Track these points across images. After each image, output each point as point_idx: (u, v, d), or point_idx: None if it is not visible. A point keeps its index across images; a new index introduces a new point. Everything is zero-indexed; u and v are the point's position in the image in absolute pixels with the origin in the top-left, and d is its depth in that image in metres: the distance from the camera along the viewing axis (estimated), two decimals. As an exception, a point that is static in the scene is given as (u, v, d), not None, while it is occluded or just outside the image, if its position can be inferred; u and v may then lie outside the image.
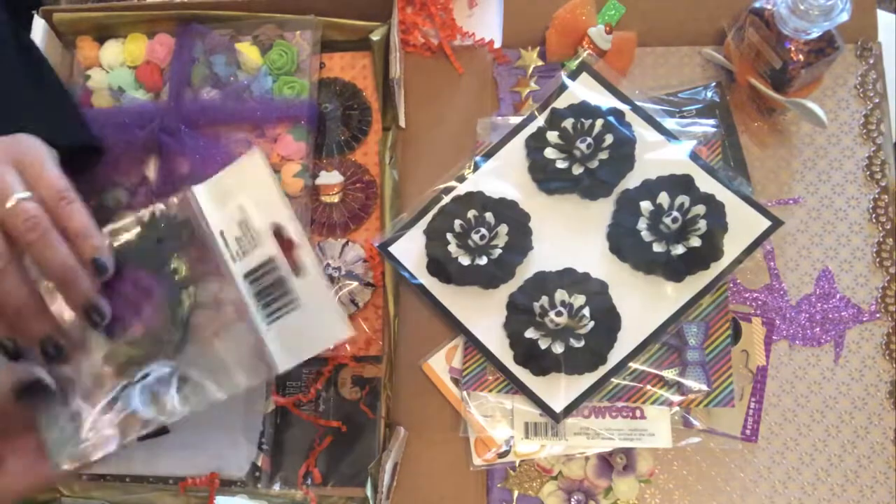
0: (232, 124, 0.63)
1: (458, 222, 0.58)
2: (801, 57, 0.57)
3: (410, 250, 0.60)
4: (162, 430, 0.61)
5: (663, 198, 0.58)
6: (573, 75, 0.62)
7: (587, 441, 0.57)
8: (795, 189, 0.63)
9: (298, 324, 0.50)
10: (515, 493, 0.58)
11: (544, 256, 0.59)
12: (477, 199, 0.59)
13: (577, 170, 0.59)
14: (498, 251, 0.58)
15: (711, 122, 0.62)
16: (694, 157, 0.60)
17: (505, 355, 0.58)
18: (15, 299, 0.44)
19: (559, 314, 0.55)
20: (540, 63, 0.66)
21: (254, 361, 0.50)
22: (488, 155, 0.62)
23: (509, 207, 0.59)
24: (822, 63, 0.58)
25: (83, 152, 0.58)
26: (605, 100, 0.61)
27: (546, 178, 0.60)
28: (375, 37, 0.65)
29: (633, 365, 0.57)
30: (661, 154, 0.60)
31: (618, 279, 0.58)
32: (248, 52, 0.64)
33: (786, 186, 0.63)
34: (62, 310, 0.47)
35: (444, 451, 0.59)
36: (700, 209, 0.57)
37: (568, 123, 0.60)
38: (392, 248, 0.60)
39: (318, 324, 0.50)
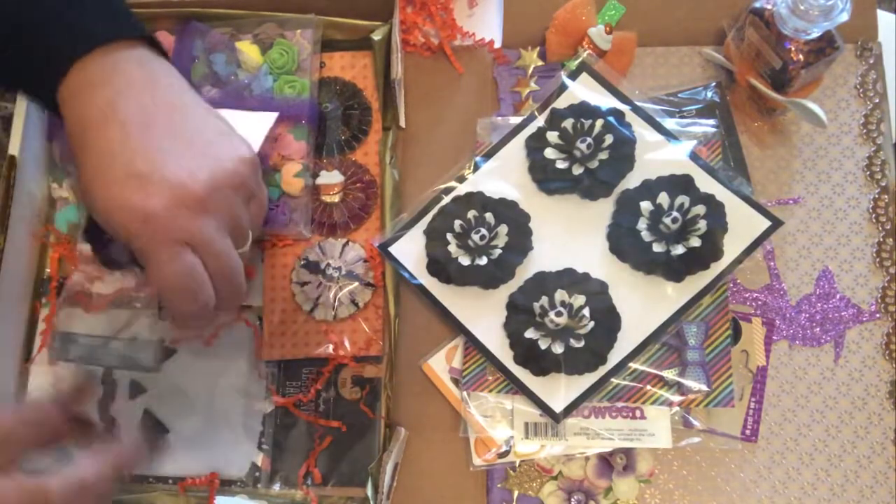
0: (232, 123, 0.63)
1: (458, 222, 0.58)
2: (801, 57, 0.57)
3: (410, 250, 0.60)
4: (162, 430, 0.61)
5: (663, 198, 0.58)
6: (573, 75, 0.62)
7: (587, 441, 0.57)
8: (795, 189, 0.63)
9: None
10: (515, 493, 0.58)
11: (544, 256, 0.59)
12: (477, 200, 0.59)
13: (577, 170, 0.59)
14: (498, 251, 0.58)
15: (711, 122, 0.62)
16: (694, 157, 0.60)
17: (505, 355, 0.58)
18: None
19: (559, 314, 0.55)
20: (540, 63, 0.66)
21: None
22: (488, 155, 0.62)
23: (509, 207, 0.59)
24: (822, 63, 0.58)
25: None
26: (605, 100, 0.61)
27: (546, 178, 0.60)
28: (377, 36, 0.65)
29: (633, 365, 0.57)
30: (661, 154, 0.60)
31: (618, 279, 0.58)
32: (248, 50, 0.64)
33: (786, 186, 0.63)
34: None
35: (444, 451, 0.59)
36: (700, 209, 0.57)
37: (568, 123, 0.60)
38: (392, 249, 0.60)
39: None
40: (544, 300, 0.56)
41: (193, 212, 0.43)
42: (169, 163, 0.43)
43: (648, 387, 0.57)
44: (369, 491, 0.57)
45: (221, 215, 0.45)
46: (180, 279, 0.44)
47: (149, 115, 0.44)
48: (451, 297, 0.59)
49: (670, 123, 0.61)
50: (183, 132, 0.45)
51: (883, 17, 0.66)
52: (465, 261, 0.58)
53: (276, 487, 0.60)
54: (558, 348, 0.56)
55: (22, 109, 0.62)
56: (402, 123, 0.65)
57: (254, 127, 0.58)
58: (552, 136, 0.60)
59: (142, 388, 0.62)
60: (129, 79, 0.45)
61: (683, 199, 0.57)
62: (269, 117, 0.59)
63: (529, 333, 0.56)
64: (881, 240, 0.62)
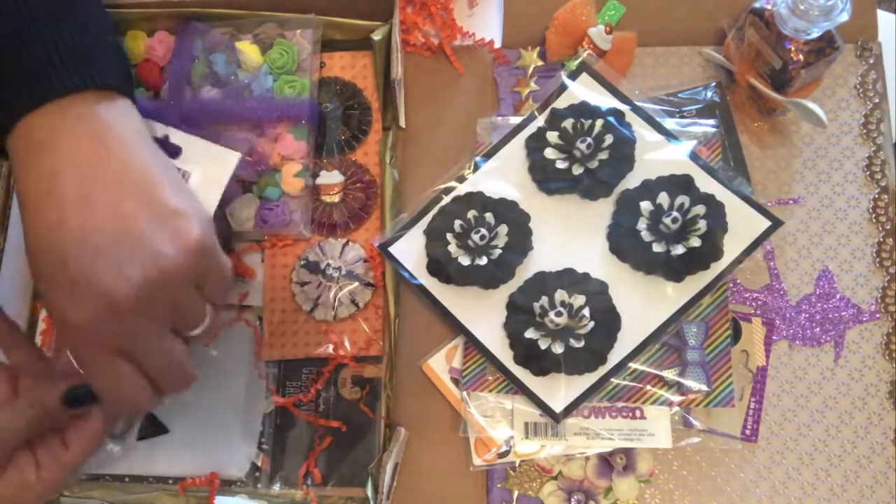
0: (232, 123, 0.63)
1: (458, 222, 0.58)
2: (801, 57, 0.57)
3: (410, 250, 0.60)
4: (162, 430, 0.61)
5: (663, 198, 0.58)
6: (573, 75, 0.62)
7: (587, 441, 0.57)
8: (795, 189, 0.63)
9: None
10: (515, 493, 0.58)
11: (544, 256, 0.59)
12: (477, 200, 0.59)
13: (577, 170, 0.59)
14: (498, 251, 0.58)
15: (711, 122, 0.62)
16: (694, 157, 0.60)
17: (505, 355, 0.58)
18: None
19: (559, 314, 0.55)
20: (540, 63, 0.66)
21: None
22: (488, 155, 0.62)
23: (509, 208, 0.59)
24: (822, 63, 0.58)
25: None
26: (605, 100, 0.61)
27: (546, 178, 0.60)
28: (377, 36, 0.65)
29: (633, 365, 0.57)
30: (661, 154, 0.60)
31: (618, 279, 0.58)
32: (248, 50, 0.64)
33: (786, 186, 0.63)
34: None
35: (444, 451, 0.59)
36: (700, 209, 0.57)
37: (568, 123, 0.60)
38: (392, 249, 0.60)
39: None
40: (544, 300, 0.56)
41: (124, 320, 0.39)
42: (99, 265, 0.39)
43: (648, 387, 0.57)
44: (369, 491, 0.57)
45: (160, 314, 0.41)
46: (112, 388, 0.42)
47: (89, 193, 0.40)
48: (451, 297, 0.59)
49: (670, 123, 0.61)
50: (123, 215, 0.40)
51: (883, 17, 0.66)
52: (465, 261, 0.58)
53: (276, 487, 0.60)
54: (558, 348, 0.56)
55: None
56: (402, 123, 0.65)
57: (218, 166, 0.56)
58: (552, 136, 0.60)
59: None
60: (75, 148, 0.41)
61: (683, 199, 0.57)
62: (234, 157, 0.57)
63: (529, 333, 0.56)
64: (881, 240, 0.62)
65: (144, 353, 0.42)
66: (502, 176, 0.61)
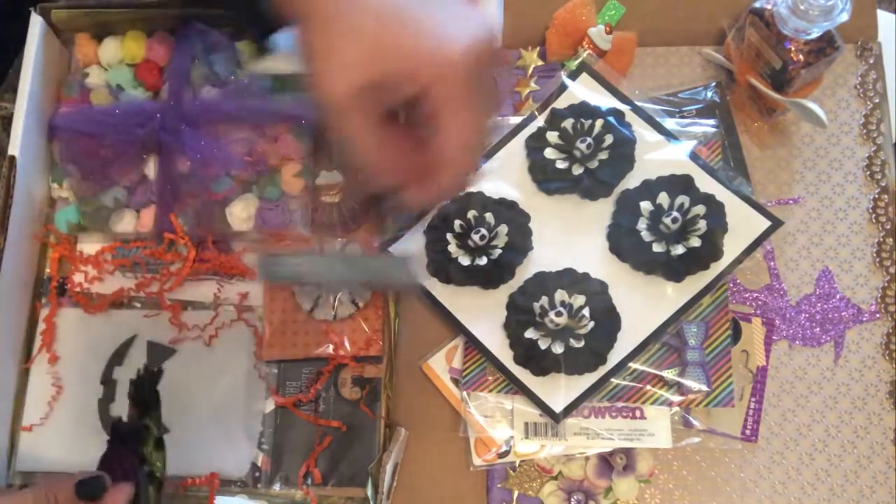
0: (232, 123, 0.63)
1: (458, 222, 0.58)
2: (801, 57, 0.57)
3: (410, 250, 0.60)
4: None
5: (663, 198, 0.58)
6: (573, 75, 0.62)
7: (587, 441, 0.57)
8: (795, 189, 0.63)
9: None
10: (515, 493, 0.58)
11: (544, 256, 0.59)
12: (477, 200, 0.59)
13: (577, 170, 0.59)
14: (498, 251, 0.58)
15: (711, 122, 0.62)
16: (694, 157, 0.60)
17: (505, 355, 0.58)
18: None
19: (559, 314, 0.55)
20: (540, 63, 0.66)
21: None
22: (488, 155, 0.62)
23: (509, 208, 0.59)
24: (822, 63, 0.58)
25: None
26: (605, 100, 0.61)
27: (546, 178, 0.60)
28: (376, 36, 0.65)
29: (633, 365, 0.57)
30: (661, 154, 0.60)
31: (618, 279, 0.58)
32: (248, 51, 0.64)
33: (786, 186, 0.63)
34: None
35: (444, 451, 0.59)
36: (700, 209, 0.57)
37: (568, 123, 0.60)
38: (392, 249, 0.60)
39: None
40: (544, 300, 0.56)
41: (465, 75, 0.40)
42: (430, 23, 0.40)
43: (648, 387, 0.57)
44: (369, 491, 0.57)
45: (483, 85, 0.42)
46: (475, 140, 0.43)
47: None
48: (451, 297, 0.59)
49: (670, 123, 0.61)
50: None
51: (883, 17, 0.66)
52: (465, 261, 0.58)
53: (276, 487, 0.60)
54: (558, 348, 0.56)
55: (22, 109, 0.62)
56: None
57: None
58: (552, 136, 0.60)
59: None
60: None
61: (683, 199, 0.57)
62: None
63: (529, 333, 0.56)
64: (881, 240, 0.62)
65: (481, 111, 0.43)
66: (502, 176, 0.61)
